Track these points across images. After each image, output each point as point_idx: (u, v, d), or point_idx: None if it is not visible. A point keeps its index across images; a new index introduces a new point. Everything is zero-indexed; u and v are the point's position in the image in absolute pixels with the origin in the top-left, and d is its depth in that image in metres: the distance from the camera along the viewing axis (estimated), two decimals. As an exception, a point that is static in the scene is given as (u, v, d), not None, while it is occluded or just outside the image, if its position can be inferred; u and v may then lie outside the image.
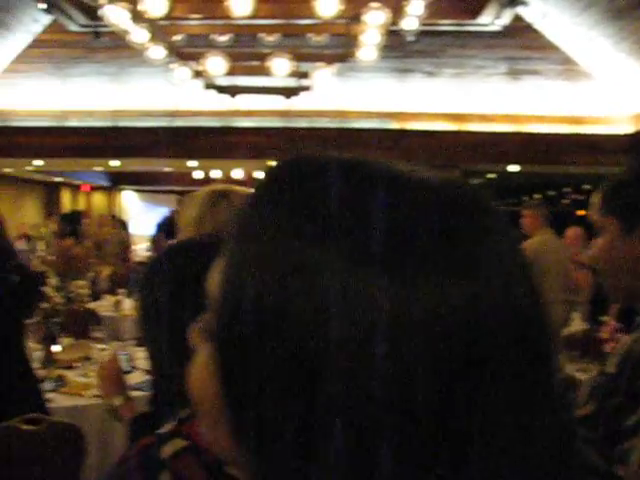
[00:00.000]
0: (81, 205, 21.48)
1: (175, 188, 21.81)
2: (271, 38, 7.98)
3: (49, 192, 21.28)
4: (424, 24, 7.88)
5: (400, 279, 0.49)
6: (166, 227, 6.98)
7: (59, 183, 21.00)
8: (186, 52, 8.07)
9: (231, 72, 7.75)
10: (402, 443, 0.48)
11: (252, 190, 0.60)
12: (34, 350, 4.34)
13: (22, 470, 3.16)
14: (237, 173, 16.39)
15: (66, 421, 3.36)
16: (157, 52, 8.02)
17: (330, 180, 0.54)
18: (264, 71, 7.53)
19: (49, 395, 3.88)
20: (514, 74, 11.34)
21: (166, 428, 1.12)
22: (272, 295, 0.50)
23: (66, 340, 4.95)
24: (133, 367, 4.00)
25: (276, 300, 0.50)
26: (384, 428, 0.48)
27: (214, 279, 0.59)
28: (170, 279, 1.25)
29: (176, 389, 1.21)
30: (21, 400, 3.46)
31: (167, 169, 18.30)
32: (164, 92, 13.43)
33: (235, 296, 0.53)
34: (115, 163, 15.39)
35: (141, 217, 21.05)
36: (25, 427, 3.14)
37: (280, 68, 7.17)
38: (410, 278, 0.49)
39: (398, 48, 10.36)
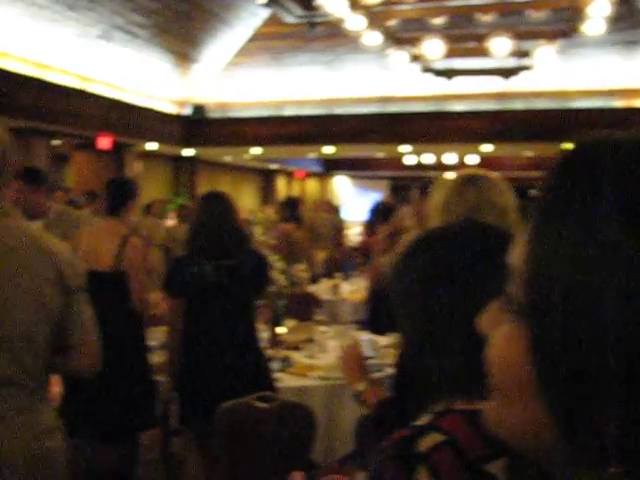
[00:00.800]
0: (295, 191, 22.24)
1: (386, 173, 22.01)
2: (487, 18, 7.77)
3: (265, 179, 22.25)
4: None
5: None
6: (382, 213, 7.00)
7: (274, 170, 21.90)
8: (402, 37, 8.06)
9: (448, 55, 7.64)
10: None
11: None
12: (261, 331, 4.51)
13: (255, 445, 3.28)
14: (449, 158, 16.22)
15: (296, 401, 3.46)
16: (373, 38, 8.08)
17: (630, 160, 0.53)
18: (482, 52, 7.35)
19: (277, 375, 4.01)
20: None
21: (422, 421, 1.10)
22: (581, 271, 0.51)
23: (290, 322, 5.11)
24: (375, 352, 4.02)
25: (585, 276, 0.51)
26: None
27: (518, 255, 0.58)
28: (426, 266, 1.21)
29: (429, 378, 1.17)
30: (253, 378, 3.61)
31: (379, 154, 18.50)
32: (377, 78, 13.58)
33: (546, 271, 0.54)
34: (329, 150, 15.79)
35: (353, 202, 21.43)
36: (259, 404, 3.25)
37: (499, 48, 6.96)
38: None
39: (627, 19, 9.71)
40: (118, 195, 4.02)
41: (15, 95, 10.58)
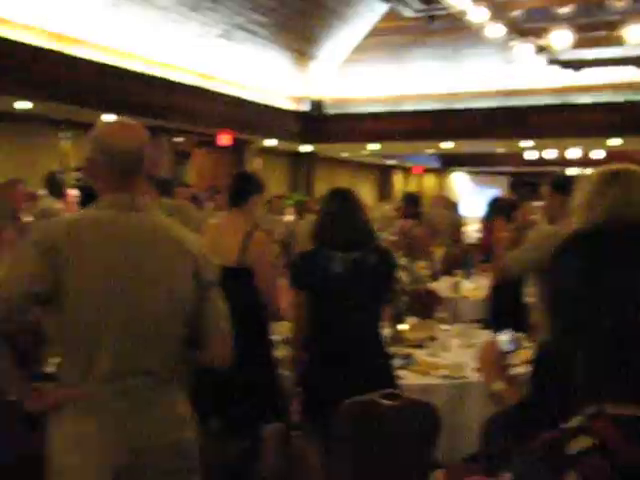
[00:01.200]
0: (412, 187, 22.12)
1: (505, 169, 21.56)
2: (621, 3, 7.40)
3: (382, 175, 22.21)
4: None
5: None
6: (504, 209, 6.82)
7: (391, 166, 21.83)
8: (527, 28, 7.83)
9: (576, 45, 7.35)
10: None
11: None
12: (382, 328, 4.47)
13: (379, 443, 3.25)
14: (573, 153, 15.69)
15: (421, 399, 3.39)
16: (496, 30, 7.88)
17: None
18: (614, 41, 7.02)
19: (399, 372, 3.96)
20: None
21: (572, 423, 1.05)
22: None
23: (411, 319, 5.05)
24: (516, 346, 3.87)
25: None
26: None
27: None
28: (579, 265, 1.16)
29: (576, 379, 1.11)
30: (376, 375, 3.56)
31: (499, 150, 18.12)
32: (498, 71, 13.27)
33: None
34: (447, 145, 15.58)
35: (471, 198, 21.09)
36: (384, 402, 3.21)
37: (634, 35, 6.61)
38: None
39: None
40: (241, 189, 4.06)
41: (141, 94, 10.96)
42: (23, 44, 9.10)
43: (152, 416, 1.96)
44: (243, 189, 4.05)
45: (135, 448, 1.92)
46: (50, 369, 3.49)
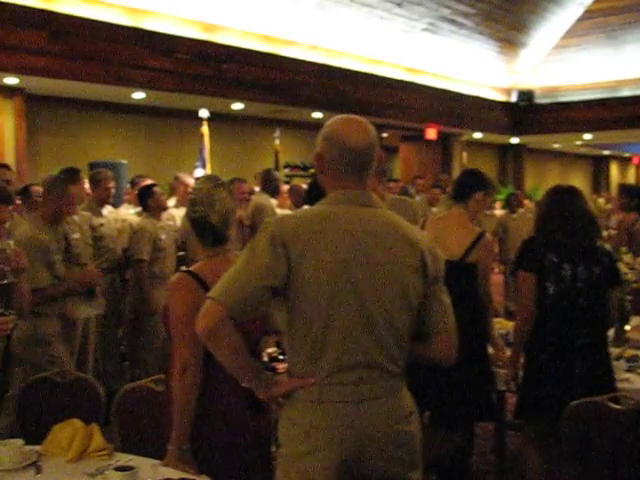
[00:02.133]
0: (630, 178, 20.94)
1: None
2: None
3: (596, 165, 21.18)
4: None
5: None
6: None
7: (607, 156, 20.75)
8: None
9: None
10: None
11: None
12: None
13: (606, 450, 3.07)
14: None
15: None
16: None
17: None
18: None
19: (624, 375, 3.72)
20: None
21: None
22: None
23: (636, 319, 4.74)
24: None
25: None
26: None
27: None
28: None
29: None
30: (596, 376, 3.38)
31: None
32: None
33: None
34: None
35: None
36: (612, 406, 3.02)
37: None
38: None
39: None
40: (465, 185, 4.02)
41: (348, 91, 11.16)
42: (237, 48, 9.59)
43: (378, 409, 1.96)
44: (466, 185, 4.01)
45: (362, 440, 1.93)
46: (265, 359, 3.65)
